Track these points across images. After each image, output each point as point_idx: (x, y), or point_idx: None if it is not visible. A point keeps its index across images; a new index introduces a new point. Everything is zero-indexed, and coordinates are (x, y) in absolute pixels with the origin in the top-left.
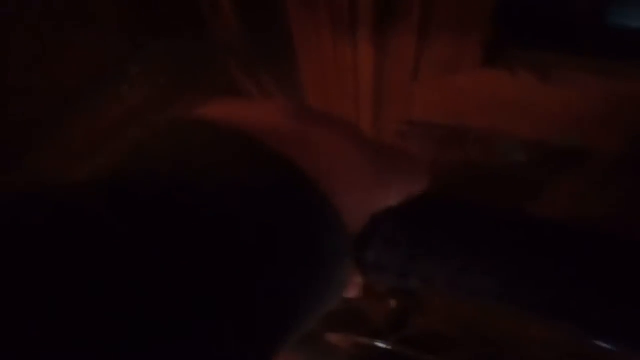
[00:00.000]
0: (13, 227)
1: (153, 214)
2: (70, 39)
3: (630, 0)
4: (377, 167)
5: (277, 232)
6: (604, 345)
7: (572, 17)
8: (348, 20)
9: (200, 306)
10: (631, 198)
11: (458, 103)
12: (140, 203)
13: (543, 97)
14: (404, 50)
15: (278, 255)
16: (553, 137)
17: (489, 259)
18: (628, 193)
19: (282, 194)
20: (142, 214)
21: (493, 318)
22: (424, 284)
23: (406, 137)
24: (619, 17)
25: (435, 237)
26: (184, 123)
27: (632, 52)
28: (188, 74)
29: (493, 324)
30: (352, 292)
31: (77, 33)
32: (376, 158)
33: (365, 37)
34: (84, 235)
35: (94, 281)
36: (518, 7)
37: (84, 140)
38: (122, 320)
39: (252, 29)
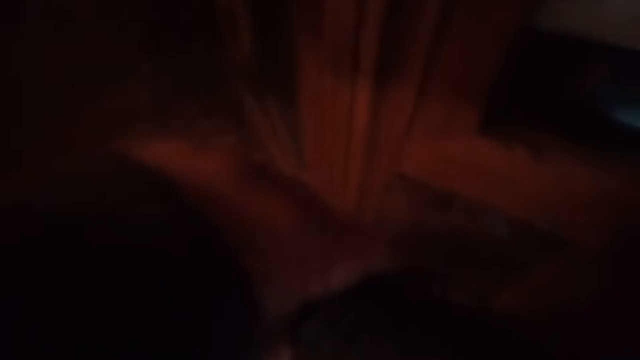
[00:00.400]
0: None
1: (59, 248)
2: (90, 30)
3: (630, 97)
4: (319, 246)
5: (183, 297)
6: None
7: (573, 103)
8: (349, 65)
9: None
10: (610, 291)
11: (448, 167)
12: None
13: (533, 175)
14: (400, 105)
15: (181, 323)
16: (538, 217)
17: (426, 357)
18: (607, 286)
19: (198, 260)
20: (48, 247)
21: None
22: None
23: (393, 190)
24: (619, 112)
25: (378, 322)
26: (121, 163)
27: (626, 148)
28: (196, 83)
29: None
30: None
31: (98, 26)
32: (320, 236)
33: (363, 84)
34: None
35: None
36: (520, 83)
37: (86, 127)
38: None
39: (264, 54)
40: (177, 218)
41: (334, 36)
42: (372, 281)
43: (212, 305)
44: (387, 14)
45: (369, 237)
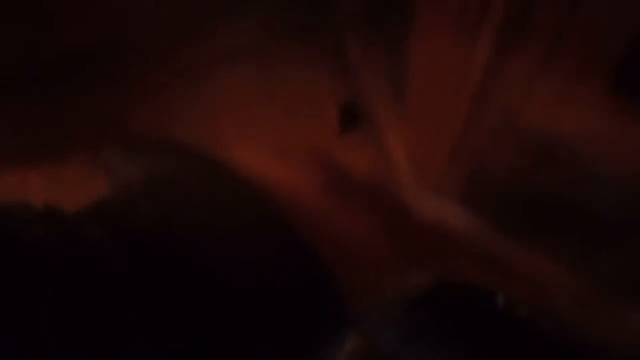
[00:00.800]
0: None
1: (153, 258)
2: None
3: None
4: (399, 252)
5: (274, 297)
6: None
7: None
8: (473, 18)
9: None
10: None
11: (567, 123)
12: (144, 244)
13: None
14: (521, 66)
15: (272, 318)
16: None
17: None
18: None
19: (288, 263)
20: (143, 254)
21: None
22: None
23: (497, 139)
24: None
25: (437, 331)
26: (218, 169)
27: None
28: (299, 24)
29: None
30: None
31: None
32: (401, 242)
33: (487, 37)
34: (83, 262)
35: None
36: None
37: (190, 64)
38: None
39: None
40: (271, 234)
41: None
42: (440, 289)
43: (308, 298)
44: None
45: (449, 245)
